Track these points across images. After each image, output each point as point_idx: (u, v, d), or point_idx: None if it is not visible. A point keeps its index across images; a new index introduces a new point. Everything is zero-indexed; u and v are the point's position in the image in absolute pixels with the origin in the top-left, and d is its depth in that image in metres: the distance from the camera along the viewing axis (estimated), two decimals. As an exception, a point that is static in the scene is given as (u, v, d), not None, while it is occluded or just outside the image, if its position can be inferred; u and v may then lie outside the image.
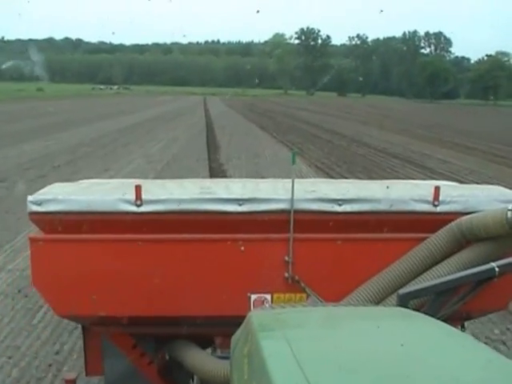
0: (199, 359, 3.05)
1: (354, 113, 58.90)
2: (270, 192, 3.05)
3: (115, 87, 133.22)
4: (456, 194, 3.06)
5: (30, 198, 2.92)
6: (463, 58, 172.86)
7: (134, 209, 2.88)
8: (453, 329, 1.93)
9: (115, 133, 29.62)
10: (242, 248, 2.89)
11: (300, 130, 34.91)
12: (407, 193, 3.09)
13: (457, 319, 3.01)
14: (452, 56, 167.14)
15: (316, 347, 1.70)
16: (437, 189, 2.99)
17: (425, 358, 1.56)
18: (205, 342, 3.28)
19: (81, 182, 3.70)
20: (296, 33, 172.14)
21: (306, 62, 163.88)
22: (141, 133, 30.14)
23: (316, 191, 3.05)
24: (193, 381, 3.46)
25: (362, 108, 72.70)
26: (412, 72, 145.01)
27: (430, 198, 3.00)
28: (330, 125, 39.28)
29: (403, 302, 2.53)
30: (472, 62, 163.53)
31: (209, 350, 3.26)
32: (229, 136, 28.93)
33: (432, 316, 2.17)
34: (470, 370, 1.53)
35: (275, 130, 33.71)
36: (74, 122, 34.90)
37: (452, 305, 2.78)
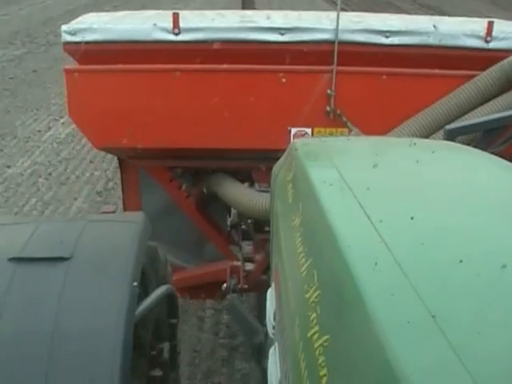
0: (238, 192, 3.01)
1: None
2: (314, 22, 2.87)
3: None
4: (510, 30, 2.85)
5: (63, 27, 2.78)
6: None
7: (171, 37, 2.76)
8: (505, 161, 1.80)
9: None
10: (283, 80, 2.77)
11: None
12: (458, 27, 2.91)
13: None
14: None
15: (366, 174, 1.60)
16: (490, 24, 2.79)
17: (478, 186, 1.50)
18: (243, 177, 3.22)
19: (116, 12, 3.52)
20: None
21: None
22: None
23: (362, 22, 2.88)
24: (230, 215, 3.45)
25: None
26: None
27: (483, 34, 2.80)
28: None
29: (450, 137, 2.39)
30: None
31: (246, 185, 3.18)
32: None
33: None
34: None
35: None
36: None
37: (500, 144, 2.65)
